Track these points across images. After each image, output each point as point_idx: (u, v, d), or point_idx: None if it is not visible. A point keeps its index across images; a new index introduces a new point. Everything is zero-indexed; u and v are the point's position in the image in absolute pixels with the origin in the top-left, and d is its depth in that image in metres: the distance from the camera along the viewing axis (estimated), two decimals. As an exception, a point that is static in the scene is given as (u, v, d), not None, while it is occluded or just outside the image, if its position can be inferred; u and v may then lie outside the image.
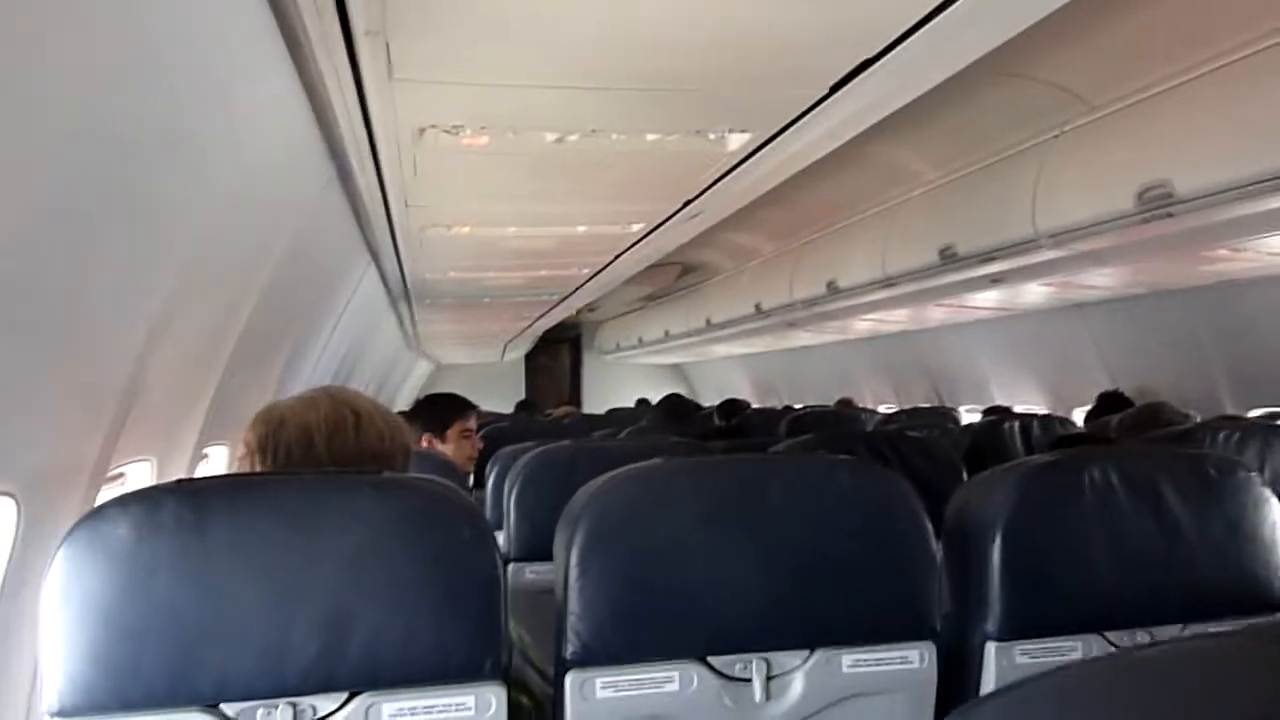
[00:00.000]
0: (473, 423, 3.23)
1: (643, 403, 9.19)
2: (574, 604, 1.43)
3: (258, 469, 1.46)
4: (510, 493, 2.48)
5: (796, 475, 1.56)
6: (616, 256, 4.42)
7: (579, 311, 10.62)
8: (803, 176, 3.09)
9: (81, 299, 1.50)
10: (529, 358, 14.19)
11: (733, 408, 5.38)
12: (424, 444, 3.08)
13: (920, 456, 2.68)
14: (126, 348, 1.77)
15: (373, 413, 1.52)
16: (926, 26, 1.57)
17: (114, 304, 1.65)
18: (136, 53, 1.31)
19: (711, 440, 3.66)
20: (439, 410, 3.17)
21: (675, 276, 9.00)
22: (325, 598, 1.18)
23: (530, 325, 8.84)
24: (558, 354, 14.80)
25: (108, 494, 1.91)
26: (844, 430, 2.90)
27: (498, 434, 4.24)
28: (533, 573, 2.40)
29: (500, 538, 2.64)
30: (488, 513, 3.06)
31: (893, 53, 1.72)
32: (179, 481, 1.23)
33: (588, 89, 1.91)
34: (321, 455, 1.44)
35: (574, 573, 1.43)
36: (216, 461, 2.99)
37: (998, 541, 1.58)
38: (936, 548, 1.59)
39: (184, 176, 1.68)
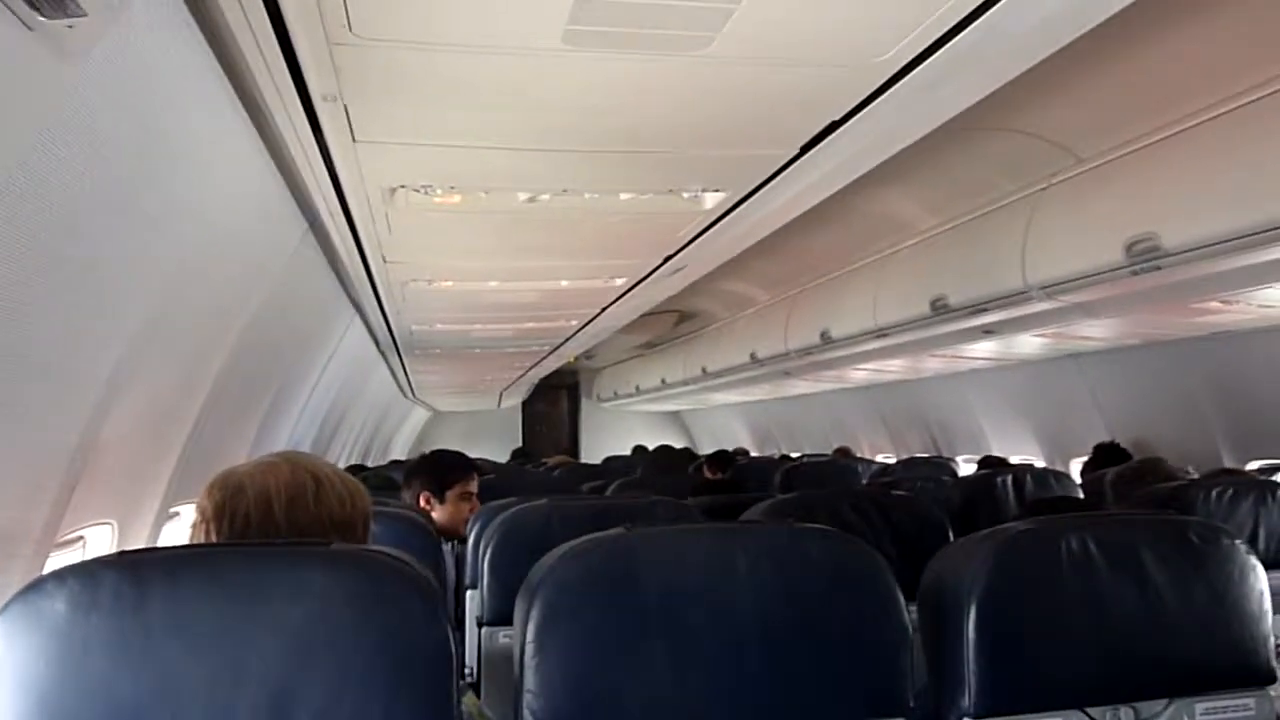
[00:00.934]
0: (474, 485, 3.15)
1: (640, 450, 9.16)
2: (530, 682, 1.39)
3: (213, 537, 1.43)
4: (484, 553, 2.44)
5: (764, 546, 1.51)
6: (603, 309, 4.43)
7: (576, 359, 10.64)
8: (795, 225, 3.09)
9: (20, 363, 1.48)
10: (526, 405, 14.18)
11: (723, 460, 5.37)
12: (421, 503, 3.02)
13: (906, 517, 2.63)
14: (75, 410, 1.74)
15: (332, 478, 1.50)
16: (892, 89, 1.57)
17: (59, 367, 1.63)
18: (80, 118, 1.30)
19: (701, 495, 3.62)
20: (440, 471, 3.09)
21: (672, 324, 9.02)
22: (269, 677, 1.14)
23: (524, 374, 8.85)
24: (555, 401, 14.79)
25: (59, 560, 1.88)
26: (828, 491, 2.87)
27: (484, 486, 4.19)
28: (505, 637, 2.36)
29: (473, 598, 2.61)
30: (468, 572, 3.02)
31: (860, 114, 1.73)
32: (121, 553, 1.20)
33: (556, 151, 1.92)
34: (281, 522, 1.41)
35: (530, 649, 1.39)
36: (188, 519, 2.96)
37: (972, 614, 1.54)
38: (912, 619, 1.56)
39: (138, 238, 1.68)
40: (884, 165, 2.41)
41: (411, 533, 2.45)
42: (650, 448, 8.13)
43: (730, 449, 9.97)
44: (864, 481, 5.13)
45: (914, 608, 1.61)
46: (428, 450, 3.46)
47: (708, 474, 5.06)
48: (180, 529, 2.93)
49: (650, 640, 1.42)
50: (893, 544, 2.49)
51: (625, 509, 2.41)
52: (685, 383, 8.92)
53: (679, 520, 2.36)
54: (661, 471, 5.24)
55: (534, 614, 1.40)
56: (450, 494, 3.05)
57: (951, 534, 2.61)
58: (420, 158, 1.97)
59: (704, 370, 7.97)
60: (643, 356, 10.98)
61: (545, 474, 5.62)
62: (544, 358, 7.27)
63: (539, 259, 3.24)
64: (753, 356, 6.58)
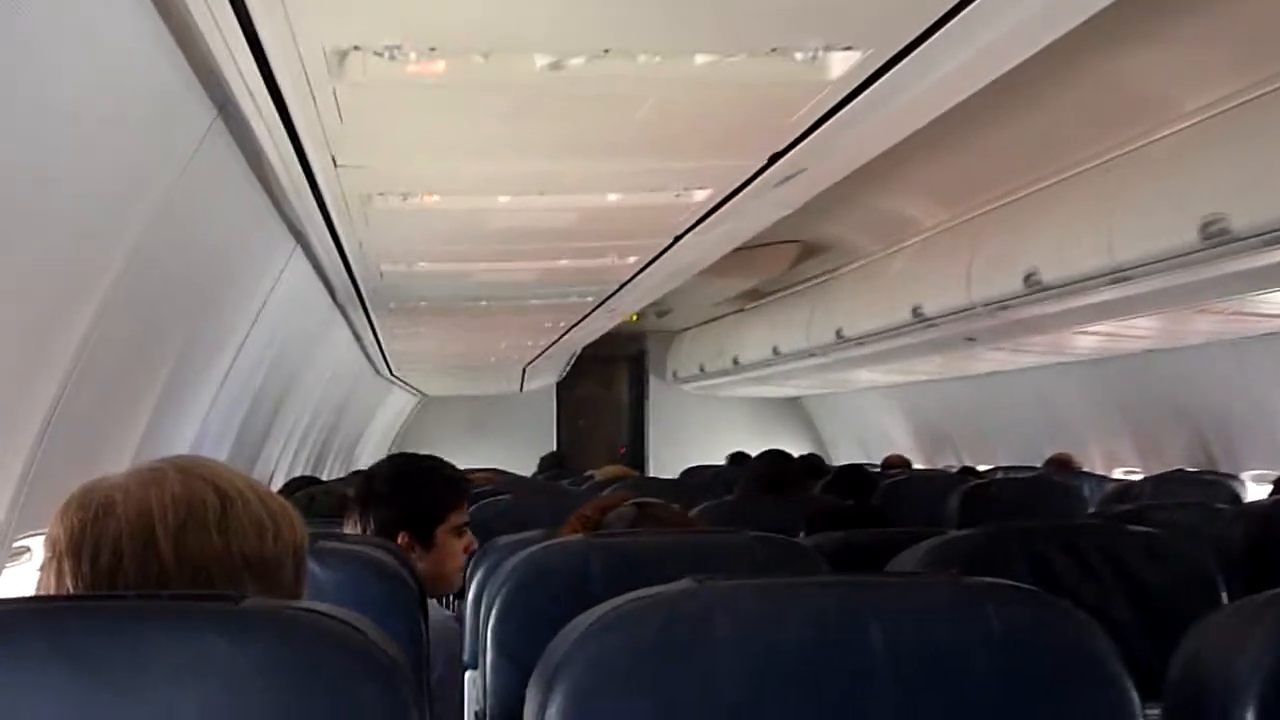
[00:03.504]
0: (465, 511, 3.14)
1: (739, 459, 9.19)
2: (547, 815, 1.42)
3: (68, 583, 1.47)
4: (488, 616, 2.47)
5: (913, 611, 1.53)
6: (677, 239, 4.42)
7: (638, 317, 10.67)
8: (976, 107, 3.08)
9: None
10: (563, 387, 14.30)
11: (853, 481, 5.37)
12: (401, 544, 2.97)
13: (1152, 566, 2.62)
14: None
15: (246, 494, 1.52)
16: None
17: None
18: None
19: (827, 529, 3.63)
20: (425, 493, 3.06)
21: (789, 262, 8.99)
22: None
23: (557, 340, 8.90)
24: (610, 381, 14.92)
25: None
26: (1024, 526, 2.84)
27: (491, 517, 4.23)
28: (520, 743, 2.39)
29: (474, 683, 2.65)
30: (465, 644, 3.06)
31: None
32: (-72, 613, 1.24)
33: (590, -11, 1.91)
34: (167, 559, 1.44)
35: (548, 764, 1.42)
36: (41, 558, 3.03)
37: (1252, 713, 1.53)
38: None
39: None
40: (1119, 7, 2.37)
41: (377, 580, 2.47)
42: (755, 455, 8.14)
43: (877, 460, 9.96)
44: (1090, 510, 5.10)
45: (1156, 709, 1.59)
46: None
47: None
48: (29, 572, 3.02)
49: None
50: (1129, 609, 2.49)
51: (706, 550, 2.42)
52: (810, 353, 8.93)
53: (786, 568, 2.36)
54: (770, 492, 5.25)
55: (552, 710, 1.42)
56: (442, 529, 3.03)
57: (1225, 595, 2.59)
58: (382, 3, 1.98)
59: (839, 334, 7.96)
60: (743, 313, 10.98)
61: (589, 494, 5.66)
62: (587, 314, 7.30)
63: (573, 161, 3.23)
64: (916, 313, 6.56)
